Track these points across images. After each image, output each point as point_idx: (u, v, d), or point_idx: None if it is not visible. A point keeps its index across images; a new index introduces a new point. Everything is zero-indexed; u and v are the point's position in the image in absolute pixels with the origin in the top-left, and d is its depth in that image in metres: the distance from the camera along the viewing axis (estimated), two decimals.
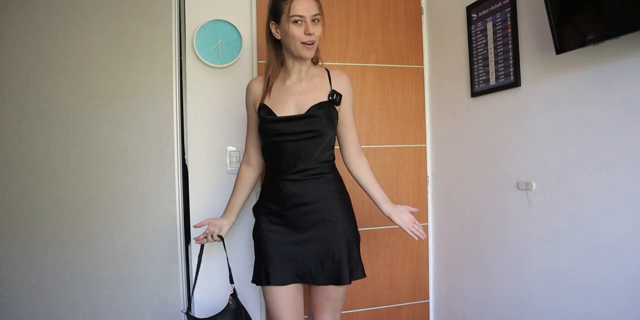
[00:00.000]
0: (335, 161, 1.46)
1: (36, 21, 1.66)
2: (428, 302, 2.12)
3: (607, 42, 1.18)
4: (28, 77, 1.65)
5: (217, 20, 1.80)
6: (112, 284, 1.70)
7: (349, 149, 1.46)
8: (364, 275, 1.40)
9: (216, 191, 1.82)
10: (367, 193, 1.47)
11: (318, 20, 1.31)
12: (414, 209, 1.46)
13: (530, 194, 1.51)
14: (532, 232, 1.51)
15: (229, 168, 1.84)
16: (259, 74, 1.88)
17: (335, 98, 1.36)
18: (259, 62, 1.89)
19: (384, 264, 2.04)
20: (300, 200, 1.35)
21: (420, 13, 2.11)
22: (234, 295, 1.50)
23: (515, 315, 1.60)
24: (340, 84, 1.39)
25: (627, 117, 1.18)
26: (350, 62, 2.00)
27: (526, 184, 1.52)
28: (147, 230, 1.73)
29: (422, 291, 2.11)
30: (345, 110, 1.41)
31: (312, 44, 1.31)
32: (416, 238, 1.43)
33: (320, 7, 1.33)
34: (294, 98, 1.37)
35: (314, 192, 1.35)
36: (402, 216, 1.43)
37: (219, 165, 1.83)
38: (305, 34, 1.28)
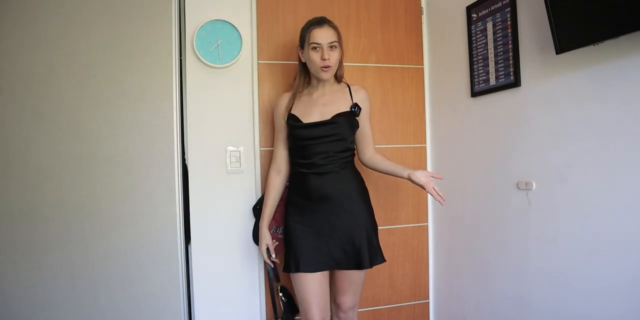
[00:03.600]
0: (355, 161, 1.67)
1: (36, 22, 1.66)
2: (428, 302, 2.12)
3: (607, 42, 1.18)
4: (28, 77, 1.65)
5: (217, 20, 1.80)
6: (112, 284, 1.70)
7: (367, 148, 1.66)
8: (384, 260, 1.56)
9: (216, 191, 1.82)
10: (388, 172, 1.62)
11: (335, 47, 1.53)
12: (437, 175, 1.55)
13: (530, 194, 1.51)
14: (532, 232, 1.51)
15: (229, 168, 1.84)
16: (259, 74, 1.88)
17: (356, 110, 1.57)
18: (259, 62, 1.89)
19: (384, 264, 2.02)
20: (324, 193, 1.53)
21: (420, 13, 2.11)
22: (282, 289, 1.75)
23: (515, 315, 1.60)
24: (360, 98, 1.61)
25: (627, 117, 1.18)
26: (350, 62, 2.00)
27: (526, 184, 1.52)
28: (147, 230, 1.73)
29: (422, 291, 2.11)
30: (364, 120, 1.62)
31: (328, 67, 1.52)
32: (440, 200, 1.49)
33: (337, 35, 1.54)
34: (319, 109, 1.58)
35: (336, 187, 1.54)
36: (421, 177, 1.51)
37: (219, 165, 1.83)
38: (321, 59, 1.50)
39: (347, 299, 1.59)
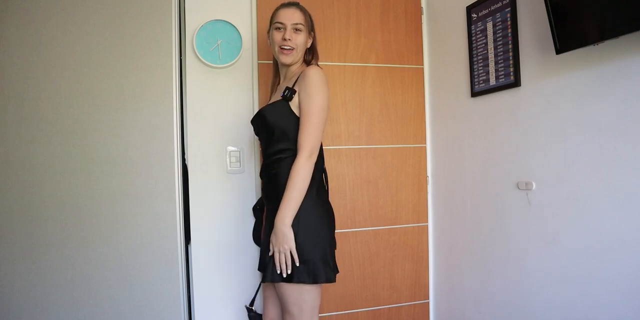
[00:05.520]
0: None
1: (36, 22, 1.66)
2: (428, 302, 2.12)
3: (607, 42, 1.18)
4: (28, 77, 1.65)
5: (217, 20, 1.80)
6: (112, 284, 1.70)
7: (298, 148, 1.30)
8: (280, 280, 1.27)
9: (216, 191, 1.82)
10: None
11: (299, 30, 1.40)
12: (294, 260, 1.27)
13: (530, 194, 1.51)
14: (532, 232, 1.51)
15: (229, 168, 1.84)
16: (259, 74, 1.88)
17: (286, 94, 1.32)
18: (259, 62, 1.89)
19: (384, 264, 2.04)
20: (264, 198, 1.45)
21: (420, 13, 2.11)
22: None
23: (515, 315, 1.60)
24: (301, 80, 1.33)
25: (627, 117, 1.18)
26: (350, 62, 2.00)
27: (526, 184, 1.52)
28: (147, 230, 1.73)
29: (422, 291, 2.11)
30: (301, 106, 1.31)
31: (290, 49, 1.39)
32: (278, 268, 1.26)
33: (306, 19, 1.42)
34: (271, 99, 1.46)
35: (266, 188, 1.42)
36: (273, 243, 1.28)
37: (219, 165, 1.83)
38: (281, 39, 1.38)
39: (275, 314, 1.43)
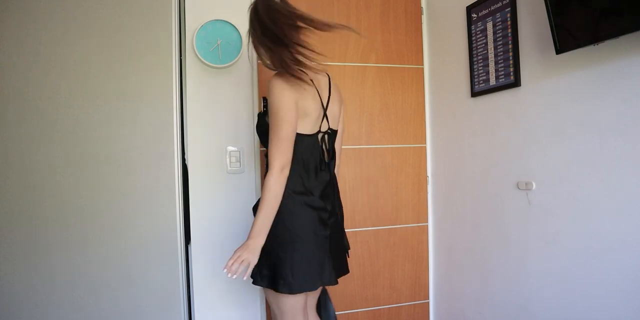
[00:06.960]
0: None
1: (36, 22, 1.66)
2: (428, 302, 2.12)
3: (607, 42, 1.18)
4: (28, 77, 1.65)
5: (217, 20, 1.80)
6: (112, 284, 1.70)
7: None
8: (263, 285, 1.26)
9: (216, 191, 1.82)
10: None
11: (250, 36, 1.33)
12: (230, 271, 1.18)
13: (530, 194, 1.51)
14: (532, 232, 1.51)
15: (228, 168, 1.84)
16: (259, 74, 1.88)
17: (263, 105, 1.27)
18: (259, 62, 1.88)
19: (384, 264, 2.04)
20: None
21: (420, 13, 2.11)
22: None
23: (515, 315, 1.60)
24: None
25: (627, 117, 1.18)
26: (350, 62, 2.00)
27: (526, 184, 1.52)
28: (147, 230, 1.73)
29: (422, 291, 2.11)
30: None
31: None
32: (228, 275, 1.17)
33: (249, 22, 1.33)
34: None
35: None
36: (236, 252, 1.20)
37: (219, 165, 1.83)
38: None
39: None
